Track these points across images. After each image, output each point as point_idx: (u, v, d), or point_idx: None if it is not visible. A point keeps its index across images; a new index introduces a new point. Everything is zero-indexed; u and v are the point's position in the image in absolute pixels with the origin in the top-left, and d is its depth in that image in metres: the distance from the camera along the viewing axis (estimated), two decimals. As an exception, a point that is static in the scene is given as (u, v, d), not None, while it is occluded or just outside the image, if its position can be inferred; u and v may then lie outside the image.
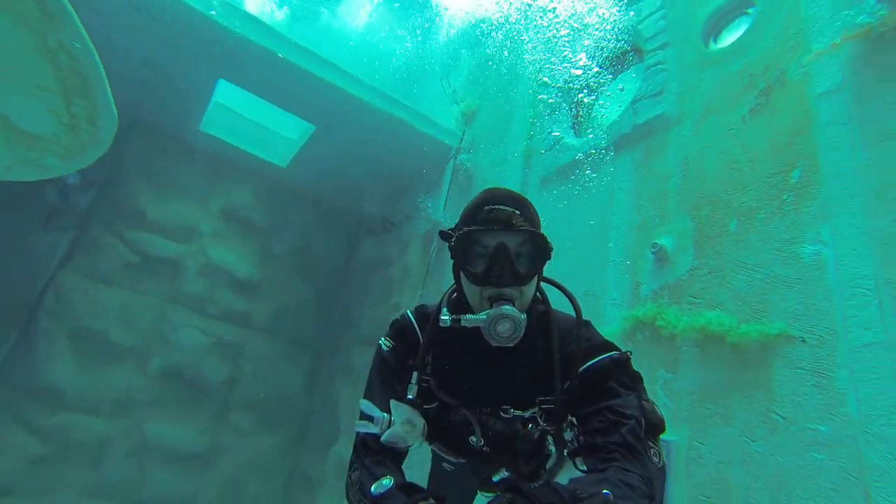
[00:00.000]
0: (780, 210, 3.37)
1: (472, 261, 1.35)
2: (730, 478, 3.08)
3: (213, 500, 7.60)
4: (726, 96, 4.13)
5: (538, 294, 1.48)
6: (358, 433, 1.39)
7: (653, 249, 4.12)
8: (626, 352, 1.39)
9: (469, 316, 1.30)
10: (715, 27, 4.62)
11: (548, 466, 1.44)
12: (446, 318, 1.32)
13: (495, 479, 1.47)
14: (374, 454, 1.35)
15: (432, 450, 1.57)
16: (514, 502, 0.98)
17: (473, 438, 1.40)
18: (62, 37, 3.07)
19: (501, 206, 1.33)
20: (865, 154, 3.12)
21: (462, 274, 1.39)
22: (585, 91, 5.93)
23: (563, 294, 1.54)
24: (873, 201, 3.00)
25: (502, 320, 1.25)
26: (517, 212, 1.33)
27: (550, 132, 5.83)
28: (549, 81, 6.25)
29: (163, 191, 7.79)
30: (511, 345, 1.28)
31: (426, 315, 1.52)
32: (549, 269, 1.44)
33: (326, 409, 8.04)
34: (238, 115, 8.13)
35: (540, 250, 1.34)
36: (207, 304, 7.90)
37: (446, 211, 6.85)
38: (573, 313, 1.47)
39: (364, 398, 1.44)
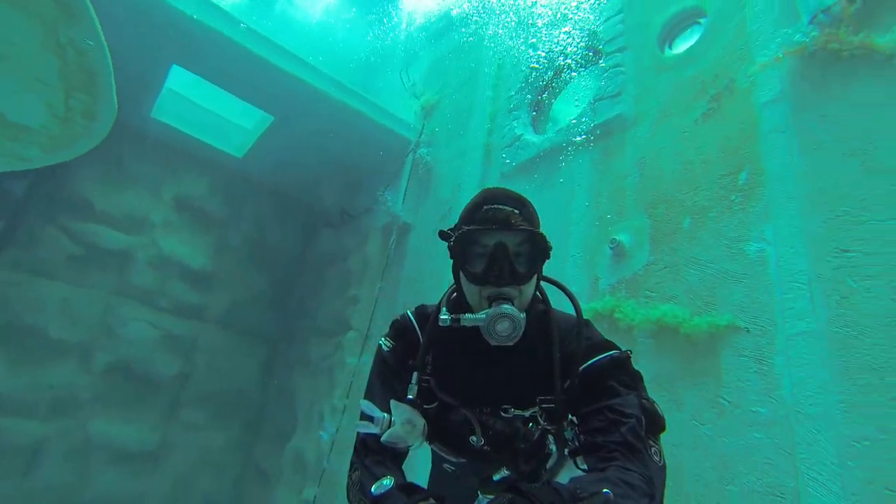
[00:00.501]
0: (729, 210, 3.63)
1: (471, 260, 1.35)
2: (682, 460, 3.32)
3: (163, 499, 7.40)
4: (680, 100, 4.38)
5: (538, 293, 1.48)
6: (358, 433, 1.39)
7: (611, 245, 4.33)
8: (625, 351, 1.40)
9: (468, 315, 1.30)
10: (670, 34, 4.86)
11: (548, 466, 1.45)
12: (445, 317, 1.32)
13: (496, 478, 1.47)
14: (375, 454, 1.34)
15: (433, 451, 1.57)
16: (514, 502, 0.98)
17: (474, 438, 1.41)
18: (75, 33, 2.96)
19: (500, 206, 1.33)
20: (802, 160, 3.42)
21: (461, 274, 1.39)
22: (546, 89, 6.09)
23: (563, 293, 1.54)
24: (808, 204, 3.29)
25: (501, 319, 1.25)
26: (516, 211, 1.33)
27: (510, 129, 5.97)
28: (511, 76, 6.38)
29: (111, 180, 7.42)
30: (510, 344, 1.28)
31: (426, 315, 1.52)
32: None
33: (282, 402, 7.97)
34: (192, 102, 7.82)
35: (539, 249, 1.34)
36: (158, 297, 7.62)
37: (405, 204, 6.91)
38: (573, 312, 1.48)
39: (364, 398, 1.44)
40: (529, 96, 6.16)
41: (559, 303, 1.59)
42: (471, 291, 1.37)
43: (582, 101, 5.53)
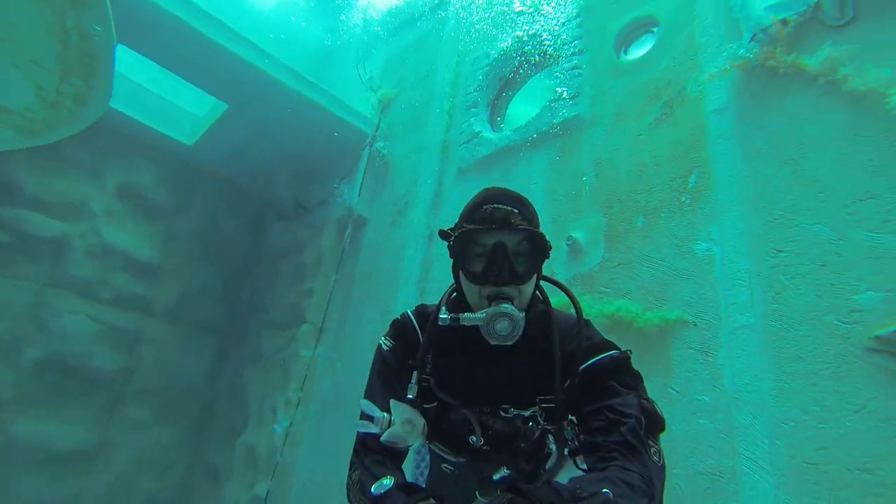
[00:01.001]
0: (679, 210, 3.88)
1: (471, 260, 1.35)
2: (633, 443, 3.54)
3: (98, 500, 7.04)
4: (635, 104, 4.60)
5: (538, 293, 1.49)
6: (358, 433, 1.39)
7: (567, 242, 4.51)
8: (625, 350, 1.40)
9: (468, 315, 1.31)
10: (625, 40, 5.08)
11: (548, 465, 1.46)
12: (445, 317, 1.32)
13: (495, 477, 1.48)
14: (374, 454, 1.34)
15: (431, 450, 1.57)
16: (514, 502, 0.99)
17: (473, 437, 1.41)
18: (84, 18, 2.77)
19: (499, 205, 1.34)
20: (744, 166, 3.70)
21: (461, 273, 1.39)
22: (504, 88, 6.21)
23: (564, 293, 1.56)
24: (749, 207, 3.58)
25: (501, 319, 1.25)
26: (515, 210, 1.34)
27: (468, 125, 6.06)
28: (470, 73, 6.46)
29: (44, 163, 6.90)
30: (510, 343, 1.28)
31: (426, 314, 1.52)
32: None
33: (234, 397, 7.77)
34: (139, 86, 7.40)
35: (539, 249, 1.36)
36: (99, 289, 7.19)
37: (361, 197, 6.90)
38: (573, 312, 1.48)
39: (364, 398, 1.44)
40: (488, 94, 6.27)
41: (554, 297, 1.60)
42: (470, 291, 1.37)
43: (539, 102, 5.68)
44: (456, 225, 1.45)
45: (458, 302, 1.46)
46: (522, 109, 6.53)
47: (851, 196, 3.21)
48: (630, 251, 4.14)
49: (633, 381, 1.36)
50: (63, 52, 2.90)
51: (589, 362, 1.36)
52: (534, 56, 5.91)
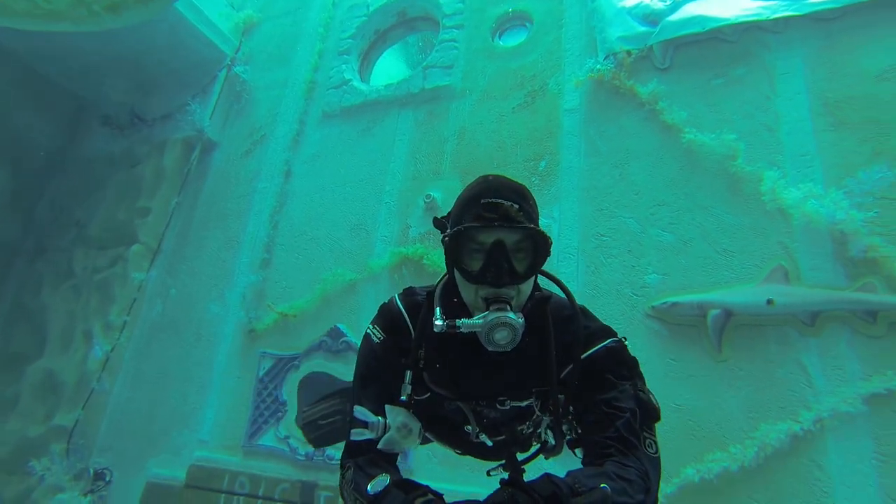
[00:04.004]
0: (529, 188, 4.38)
1: (467, 258, 1.25)
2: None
3: None
4: (502, 87, 5.04)
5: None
6: (349, 434, 1.33)
7: (426, 199, 4.74)
8: (621, 338, 1.38)
9: (465, 322, 1.23)
10: (500, 27, 5.50)
11: (545, 457, 1.46)
12: (440, 323, 1.24)
13: (491, 470, 1.48)
14: (367, 452, 1.30)
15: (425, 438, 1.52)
16: (514, 496, 0.97)
17: (469, 428, 1.38)
18: None
19: (499, 200, 1.23)
20: (585, 161, 4.40)
21: (456, 270, 1.28)
22: (380, 39, 6.14)
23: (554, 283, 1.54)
24: (584, 196, 4.28)
25: (500, 328, 1.18)
26: (516, 206, 1.24)
27: (339, 71, 5.86)
28: (346, 18, 6.21)
29: None
30: (508, 350, 1.23)
31: (417, 306, 1.43)
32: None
33: (21, 320, 6.42)
34: None
35: (539, 248, 1.26)
36: None
37: (213, 120, 6.23)
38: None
39: (355, 395, 1.39)
40: (361, 44, 6.13)
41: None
42: (466, 289, 1.28)
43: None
44: (450, 213, 1.35)
45: (451, 296, 1.36)
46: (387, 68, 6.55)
47: (653, 200, 4.11)
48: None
49: (630, 371, 1.33)
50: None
51: (587, 353, 1.32)
52: (412, 18, 5.96)
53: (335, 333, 4.72)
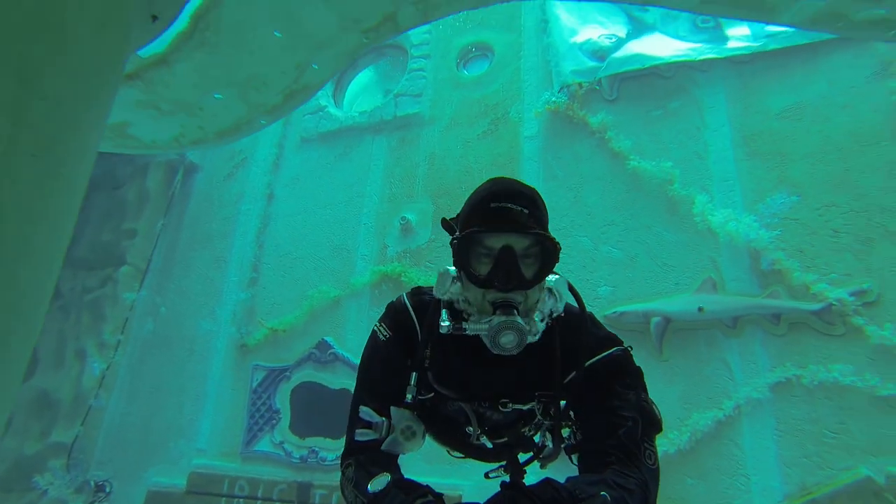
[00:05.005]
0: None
1: (475, 262, 1.25)
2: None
3: None
4: (468, 115, 5.53)
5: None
6: (351, 431, 1.36)
7: (401, 221, 5.21)
8: (626, 347, 1.37)
9: (471, 325, 1.23)
10: (465, 57, 5.97)
11: (543, 461, 1.47)
12: (446, 324, 1.25)
13: (491, 472, 1.52)
14: (369, 451, 1.31)
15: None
16: (515, 499, 0.99)
17: (470, 429, 1.40)
18: None
19: (509, 205, 1.22)
20: (544, 185, 4.95)
21: (463, 273, 1.27)
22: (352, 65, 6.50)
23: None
24: (543, 217, 4.83)
25: (506, 332, 1.18)
26: (525, 211, 1.22)
27: (314, 97, 6.21)
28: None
29: None
30: (514, 354, 1.22)
31: (425, 305, 1.43)
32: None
33: None
34: None
35: (549, 254, 1.24)
36: None
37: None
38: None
39: (359, 394, 1.41)
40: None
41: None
42: (473, 292, 1.27)
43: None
44: (459, 216, 1.36)
45: (459, 296, 1.35)
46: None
47: (604, 221, 4.70)
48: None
49: (634, 381, 1.33)
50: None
51: (589, 361, 1.32)
52: (382, 45, 6.34)
53: (323, 346, 5.16)
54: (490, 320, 1.19)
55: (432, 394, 1.39)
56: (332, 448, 4.88)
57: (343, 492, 1.28)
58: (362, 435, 1.29)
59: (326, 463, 4.86)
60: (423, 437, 1.36)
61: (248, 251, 5.84)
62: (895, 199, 3.86)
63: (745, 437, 3.80)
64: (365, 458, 1.29)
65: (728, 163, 4.49)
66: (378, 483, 1.17)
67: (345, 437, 1.39)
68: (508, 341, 1.18)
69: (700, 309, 4.11)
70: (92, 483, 5.54)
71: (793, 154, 4.25)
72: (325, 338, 5.18)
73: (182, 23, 1.80)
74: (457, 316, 1.29)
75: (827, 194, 4.09)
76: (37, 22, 1.16)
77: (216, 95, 2.26)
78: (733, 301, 4.12)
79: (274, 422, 5.18)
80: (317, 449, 4.95)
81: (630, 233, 4.59)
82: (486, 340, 1.22)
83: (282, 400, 5.22)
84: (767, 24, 4.06)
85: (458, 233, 1.29)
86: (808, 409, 3.73)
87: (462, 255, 1.25)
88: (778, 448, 3.69)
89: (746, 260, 4.17)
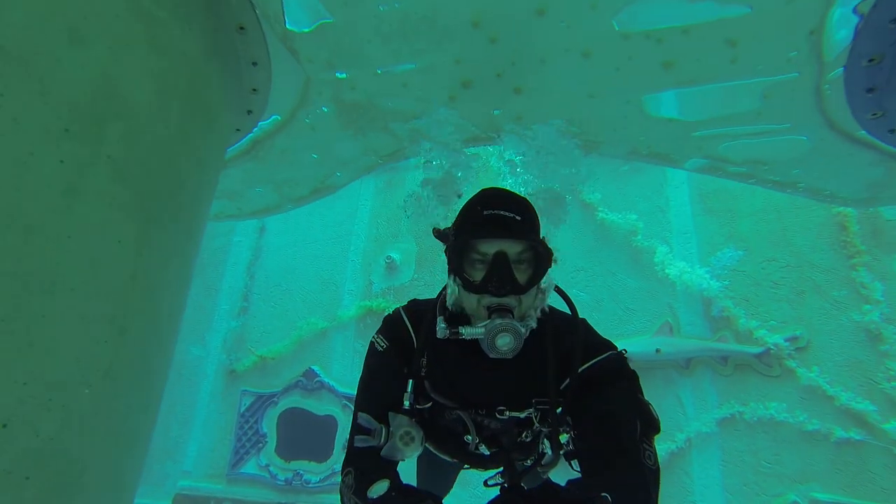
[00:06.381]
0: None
1: (469, 268, 1.28)
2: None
3: None
4: (452, 163, 5.98)
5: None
6: (350, 438, 1.38)
7: (386, 259, 5.59)
8: (620, 351, 1.38)
9: (467, 329, 1.26)
10: (450, 107, 6.45)
11: (542, 467, 1.49)
12: (443, 327, 1.28)
13: (489, 479, 1.54)
14: (368, 457, 1.32)
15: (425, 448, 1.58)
16: (515, 501, 1.01)
17: (469, 437, 1.41)
18: None
19: (501, 212, 1.26)
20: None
21: (458, 280, 1.31)
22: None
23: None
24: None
25: (502, 335, 1.21)
26: (518, 217, 1.26)
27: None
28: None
29: None
30: (510, 357, 1.25)
31: (421, 315, 1.46)
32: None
33: None
34: None
35: (541, 259, 1.27)
36: None
37: None
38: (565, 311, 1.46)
39: (358, 402, 1.43)
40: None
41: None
42: (468, 298, 1.30)
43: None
44: (453, 225, 1.38)
45: (453, 306, 1.40)
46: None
47: (573, 266, 5.16)
48: (433, 275, 5.45)
49: (629, 383, 1.33)
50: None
51: (585, 365, 1.33)
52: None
53: (310, 374, 5.46)
54: (486, 323, 1.23)
55: (430, 403, 1.44)
56: (316, 471, 5.14)
57: (343, 499, 1.31)
58: (361, 441, 1.33)
59: (311, 486, 5.12)
60: (422, 442, 1.37)
61: (239, 281, 6.10)
62: (823, 257, 4.41)
63: (693, 467, 4.23)
64: (365, 465, 1.31)
65: (686, 217, 5.00)
66: (378, 489, 1.20)
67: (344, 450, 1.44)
68: (505, 343, 1.22)
69: (657, 350, 4.56)
70: None
71: (741, 212, 4.79)
72: (312, 366, 5.47)
73: (243, 144, 2.23)
74: (453, 323, 1.30)
75: (768, 250, 4.62)
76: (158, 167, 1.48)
77: (257, 189, 2.69)
78: (687, 344, 4.58)
79: (260, 445, 5.42)
80: (301, 472, 5.21)
81: (597, 278, 5.05)
82: (482, 344, 1.25)
83: (269, 424, 5.47)
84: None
85: (451, 240, 1.34)
86: (749, 441, 4.20)
87: (456, 261, 1.30)
88: (723, 477, 4.14)
89: (700, 307, 4.66)
